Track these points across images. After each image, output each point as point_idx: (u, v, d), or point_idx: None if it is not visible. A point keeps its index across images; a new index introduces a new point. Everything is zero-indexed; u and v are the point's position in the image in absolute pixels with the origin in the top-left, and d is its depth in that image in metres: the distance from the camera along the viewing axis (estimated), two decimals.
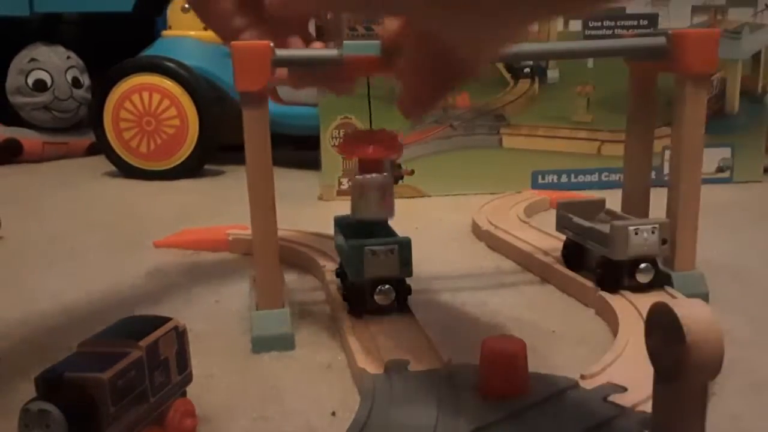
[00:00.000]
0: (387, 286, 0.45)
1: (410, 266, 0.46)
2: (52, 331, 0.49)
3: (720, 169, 0.92)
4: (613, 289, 0.49)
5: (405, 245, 0.45)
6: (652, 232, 0.48)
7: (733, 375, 0.39)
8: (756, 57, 0.89)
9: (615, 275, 0.49)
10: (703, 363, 0.27)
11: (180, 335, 0.33)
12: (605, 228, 0.49)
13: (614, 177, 0.88)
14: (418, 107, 0.39)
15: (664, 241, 0.49)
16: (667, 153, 0.51)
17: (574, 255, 0.55)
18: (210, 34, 1.14)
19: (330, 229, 0.54)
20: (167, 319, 0.33)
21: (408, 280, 0.46)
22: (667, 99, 0.52)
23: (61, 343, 0.34)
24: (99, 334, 0.32)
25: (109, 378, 0.28)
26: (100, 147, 1.10)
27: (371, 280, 0.45)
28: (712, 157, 0.91)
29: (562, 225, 0.55)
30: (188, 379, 0.34)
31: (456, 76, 0.36)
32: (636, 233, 0.48)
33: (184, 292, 0.56)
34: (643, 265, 0.48)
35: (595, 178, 0.90)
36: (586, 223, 0.52)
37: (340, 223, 0.51)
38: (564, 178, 0.90)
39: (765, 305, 0.51)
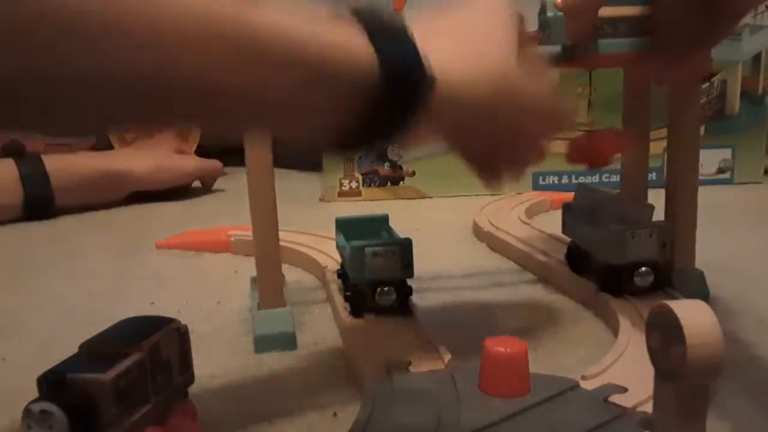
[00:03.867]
0: (388, 287, 0.45)
1: (411, 267, 0.46)
2: (55, 332, 0.49)
3: (720, 170, 0.92)
4: (614, 293, 0.49)
5: (406, 246, 0.45)
6: (651, 236, 0.48)
7: (735, 376, 0.39)
8: (756, 58, 0.90)
9: (615, 279, 0.49)
10: (703, 364, 0.27)
11: (182, 336, 0.33)
12: (604, 232, 0.49)
13: (615, 178, 0.88)
14: (675, 63, 0.38)
15: (663, 245, 0.48)
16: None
17: (576, 258, 0.54)
18: None
19: (331, 230, 0.54)
20: (169, 320, 0.33)
21: (409, 281, 0.47)
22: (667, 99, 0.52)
23: (63, 344, 0.34)
24: (101, 334, 0.32)
25: (111, 379, 0.28)
26: (102, 148, 1.10)
27: (372, 281, 0.45)
28: (713, 158, 0.91)
29: (566, 227, 0.55)
30: (190, 380, 0.34)
31: (722, 21, 0.36)
32: (633, 237, 0.48)
33: (185, 293, 0.56)
34: (642, 269, 0.48)
35: (595, 179, 0.90)
36: (587, 227, 0.52)
37: (342, 224, 0.51)
38: (565, 180, 0.90)
39: (766, 306, 0.51)
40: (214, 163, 0.97)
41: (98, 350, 0.30)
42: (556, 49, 0.47)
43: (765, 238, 0.69)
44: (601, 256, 0.50)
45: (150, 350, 0.31)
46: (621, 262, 0.48)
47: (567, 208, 0.55)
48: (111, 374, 0.28)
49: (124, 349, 0.30)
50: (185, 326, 0.34)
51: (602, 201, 0.52)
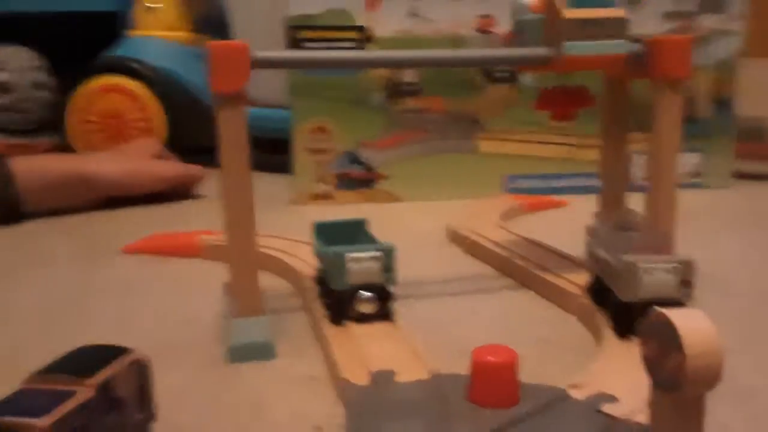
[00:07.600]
0: (370, 294, 0.44)
1: (394, 273, 0.44)
2: (5, 356, 0.45)
3: (691, 175, 0.92)
4: (627, 336, 0.41)
5: (389, 252, 0.44)
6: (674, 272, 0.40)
7: (719, 383, 0.38)
8: (725, 63, 0.90)
9: (627, 319, 0.41)
10: (702, 374, 0.27)
11: (140, 369, 0.31)
12: (617, 261, 0.42)
13: (591, 182, 0.88)
14: None
15: (686, 283, 0.41)
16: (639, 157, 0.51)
17: (598, 289, 0.47)
18: (175, 33, 1.12)
19: (303, 234, 0.52)
20: (126, 351, 0.30)
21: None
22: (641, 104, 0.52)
23: (9, 372, 0.31)
24: (48, 367, 0.29)
25: (49, 425, 0.25)
26: (65, 149, 1.07)
27: (354, 287, 0.44)
28: (682, 163, 0.91)
29: (588, 253, 0.49)
30: (150, 418, 0.32)
31: None
32: (650, 273, 0.40)
33: (154, 301, 0.54)
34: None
35: (572, 182, 0.90)
36: (602, 254, 0.45)
37: (319, 228, 0.50)
38: (540, 183, 0.89)
39: (744, 312, 0.51)
40: (195, 169, 0.93)
41: (42, 386, 0.28)
42: (534, 52, 0.46)
43: (738, 243, 0.70)
44: (614, 290, 0.43)
45: (99, 389, 0.28)
46: (633, 300, 0.41)
47: (591, 230, 0.49)
48: (47, 420, 0.25)
49: (69, 386, 0.27)
50: (145, 357, 0.31)
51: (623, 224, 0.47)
